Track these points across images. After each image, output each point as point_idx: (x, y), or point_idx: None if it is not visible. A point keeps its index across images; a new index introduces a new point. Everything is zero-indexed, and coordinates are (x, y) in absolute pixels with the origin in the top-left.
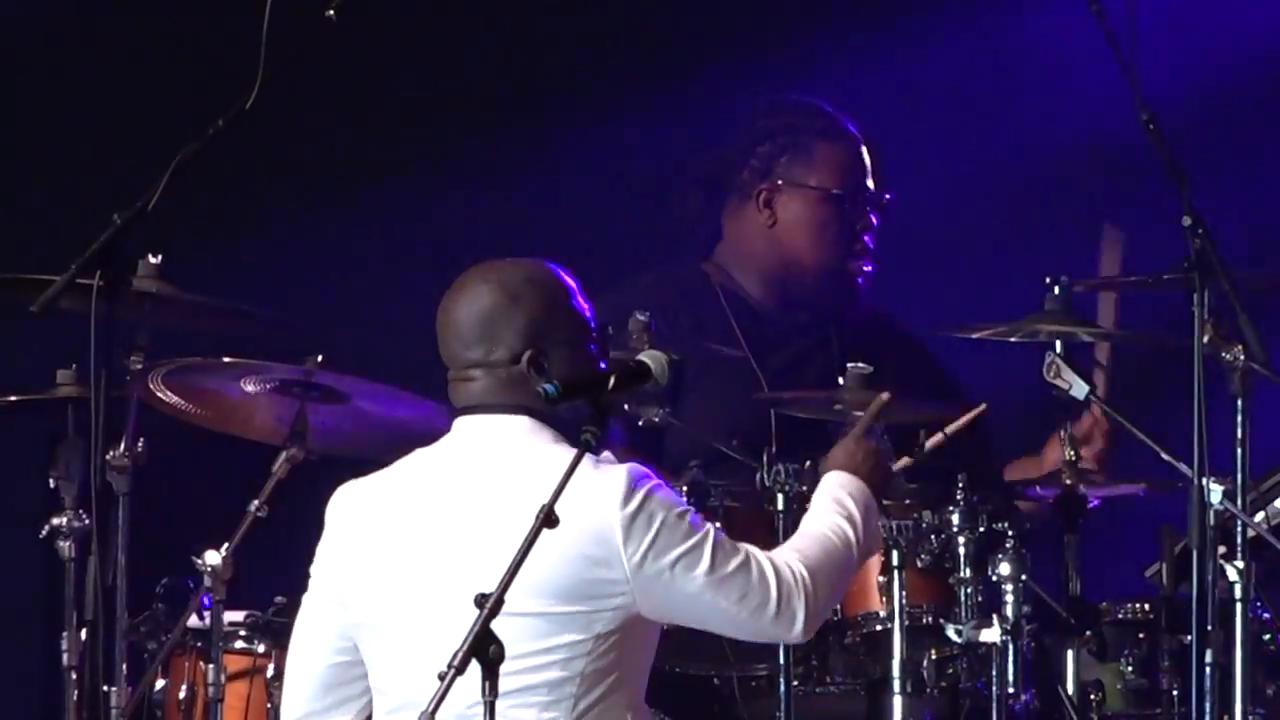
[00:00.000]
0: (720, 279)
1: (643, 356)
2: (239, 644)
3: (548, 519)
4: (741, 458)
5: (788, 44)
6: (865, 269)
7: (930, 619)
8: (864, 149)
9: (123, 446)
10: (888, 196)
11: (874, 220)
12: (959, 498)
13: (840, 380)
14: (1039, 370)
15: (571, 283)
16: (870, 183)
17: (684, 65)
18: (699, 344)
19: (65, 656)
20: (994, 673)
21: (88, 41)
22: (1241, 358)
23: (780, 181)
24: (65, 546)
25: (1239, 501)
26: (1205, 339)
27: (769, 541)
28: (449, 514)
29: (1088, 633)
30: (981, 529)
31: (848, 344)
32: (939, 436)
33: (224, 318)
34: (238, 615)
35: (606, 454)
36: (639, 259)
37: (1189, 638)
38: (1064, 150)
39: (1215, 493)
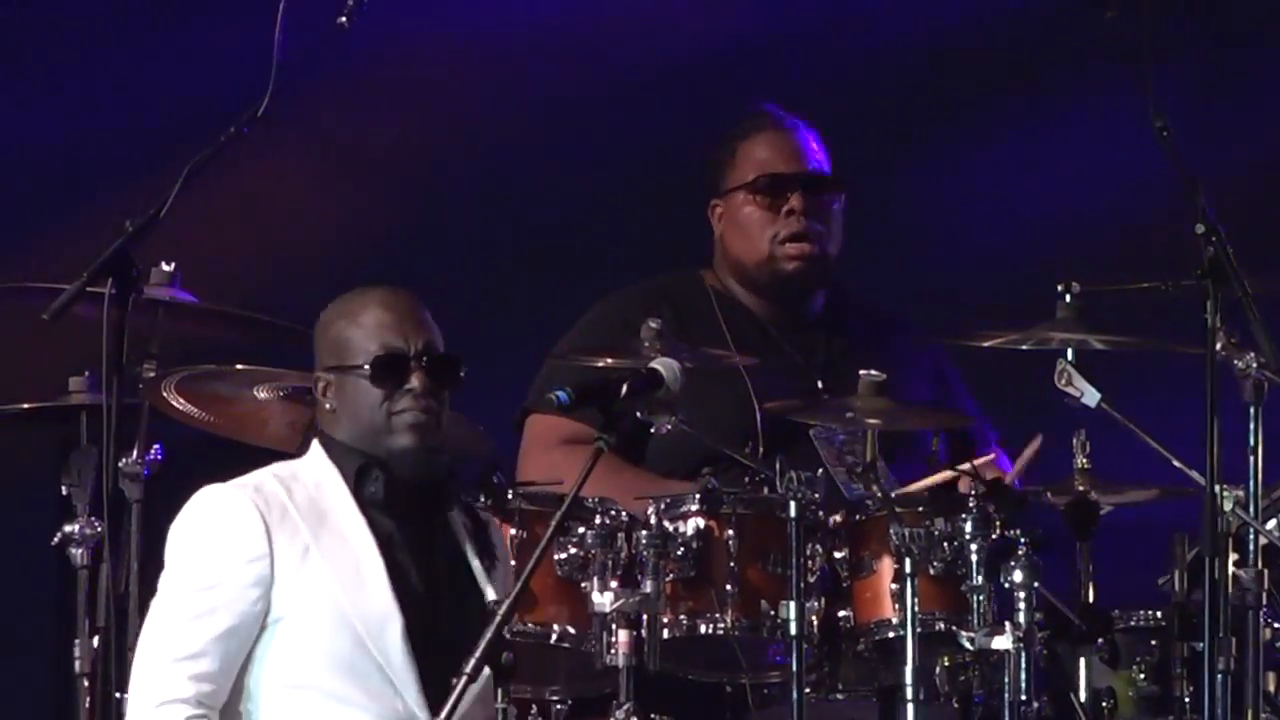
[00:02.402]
0: (714, 284)
1: (654, 364)
2: None
3: (559, 527)
4: (755, 465)
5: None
6: (798, 252)
7: (943, 626)
8: (791, 135)
9: (135, 454)
10: (817, 168)
11: (804, 201)
12: (971, 505)
13: (820, 384)
14: (1050, 378)
15: None
16: (797, 165)
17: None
18: (691, 348)
19: (78, 663)
20: (1006, 680)
21: (98, 47)
22: (1254, 365)
23: (721, 193)
24: (78, 554)
25: (1251, 509)
26: (1218, 346)
27: (780, 549)
28: None
29: (1100, 640)
30: (994, 536)
31: (843, 345)
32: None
33: (236, 325)
34: None
35: (260, 475)
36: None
37: (1201, 645)
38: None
39: (1228, 500)
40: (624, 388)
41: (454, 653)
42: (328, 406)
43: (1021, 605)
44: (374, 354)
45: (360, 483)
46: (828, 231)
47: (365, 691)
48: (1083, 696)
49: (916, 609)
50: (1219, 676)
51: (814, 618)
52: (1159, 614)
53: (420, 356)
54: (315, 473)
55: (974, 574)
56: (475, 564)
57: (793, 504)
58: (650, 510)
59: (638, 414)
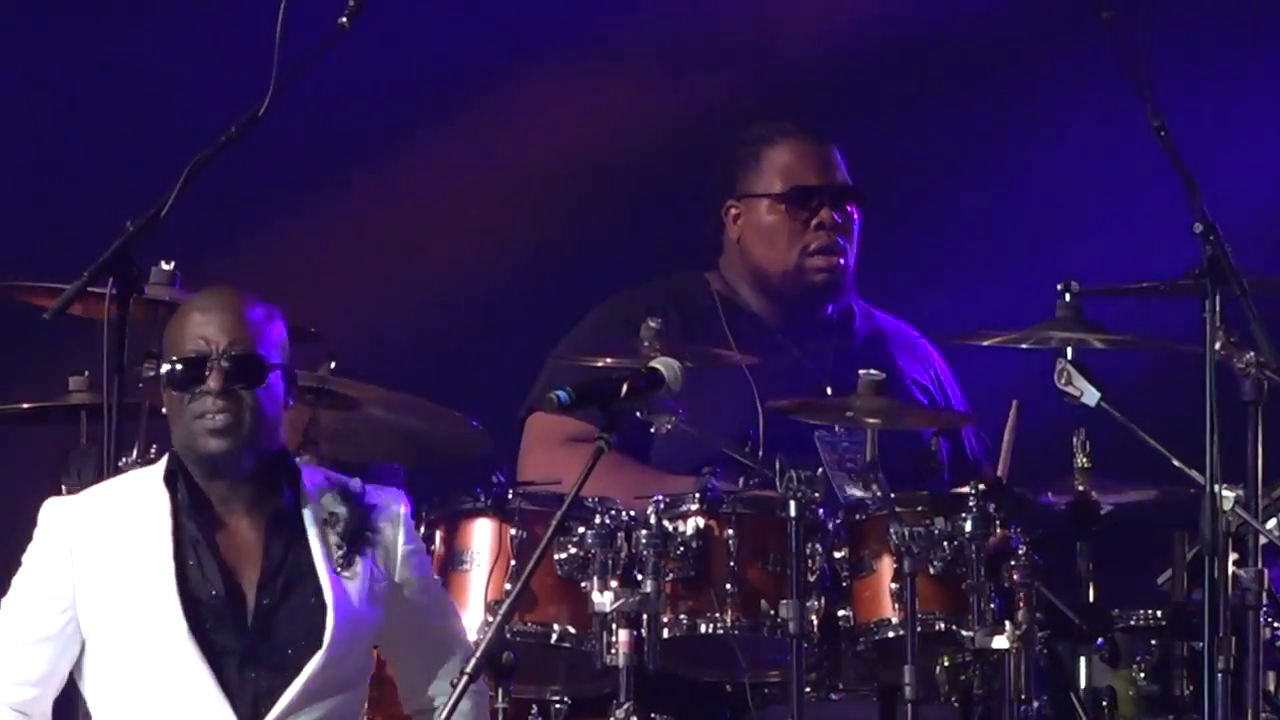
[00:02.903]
0: (719, 286)
1: (655, 364)
2: None
3: (559, 527)
4: (754, 465)
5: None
6: (827, 264)
7: (943, 625)
8: (818, 146)
9: (135, 453)
10: (844, 182)
11: (833, 214)
12: (971, 505)
13: (829, 390)
14: (1050, 377)
15: None
16: (826, 178)
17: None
18: (692, 348)
19: None
20: (1006, 679)
21: (100, 48)
22: (1254, 364)
23: (739, 196)
24: None
25: (1252, 508)
26: (1217, 345)
27: (780, 549)
28: None
29: (1100, 639)
30: (994, 535)
31: (850, 350)
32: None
33: None
34: None
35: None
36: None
37: (1201, 644)
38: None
39: (1228, 500)
40: (624, 387)
41: (259, 657)
42: (163, 410)
43: (1021, 604)
44: (177, 357)
45: (171, 488)
46: (851, 244)
47: (167, 702)
48: (1083, 695)
49: (916, 608)
50: (1219, 676)
51: (814, 617)
52: (1159, 613)
53: (221, 357)
54: (151, 479)
55: (974, 573)
56: (320, 560)
57: (793, 504)
58: (650, 510)
59: (638, 414)
